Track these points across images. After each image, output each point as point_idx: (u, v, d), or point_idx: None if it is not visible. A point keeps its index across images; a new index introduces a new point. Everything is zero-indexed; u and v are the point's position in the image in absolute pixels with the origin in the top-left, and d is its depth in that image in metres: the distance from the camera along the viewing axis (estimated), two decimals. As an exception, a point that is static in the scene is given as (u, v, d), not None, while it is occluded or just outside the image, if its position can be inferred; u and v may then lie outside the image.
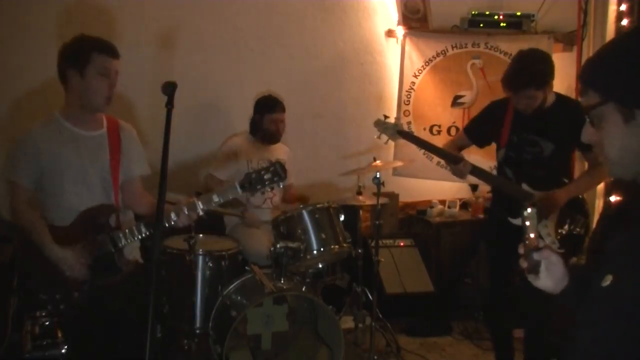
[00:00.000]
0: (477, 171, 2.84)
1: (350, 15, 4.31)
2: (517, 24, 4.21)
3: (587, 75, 1.23)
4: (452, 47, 4.27)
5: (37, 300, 2.14)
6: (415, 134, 4.30)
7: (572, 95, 4.07)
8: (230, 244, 3.21)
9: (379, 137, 3.07)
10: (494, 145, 3.00)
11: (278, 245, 2.96)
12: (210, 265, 3.06)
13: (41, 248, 2.19)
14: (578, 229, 2.82)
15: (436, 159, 4.28)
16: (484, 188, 4.29)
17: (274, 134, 3.63)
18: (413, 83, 4.35)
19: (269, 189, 2.24)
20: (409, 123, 4.36)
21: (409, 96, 4.37)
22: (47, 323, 2.04)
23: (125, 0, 3.70)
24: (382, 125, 3.03)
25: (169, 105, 1.95)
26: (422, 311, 3.93)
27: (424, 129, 4.37)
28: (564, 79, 4.18)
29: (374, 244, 3.50)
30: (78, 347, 2.04)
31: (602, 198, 3.95)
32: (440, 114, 4.37)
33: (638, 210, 2.50)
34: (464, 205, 4.54)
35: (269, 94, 3.72)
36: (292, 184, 3.80)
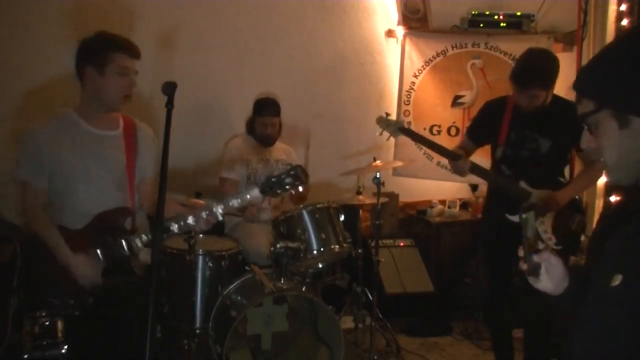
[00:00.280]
0: (476, 169, 2.86)
1: (350, 15, 4.31)
2: (517, 24, 4.21)
3: (581, 83, 1.24)
4: (452, 47, 4.27)
5: (49, 305, 2.07)
6: (416, 133, 4.31)
7: (572, 95, 4.07)
8: (230, 244, 3.21)
9: (380, 134, 3.08)
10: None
11: (278, 245, 2.96)
12: (210, 265, 3.06)
13: (54, 252, 2.11)
14: (575, 227, 2.84)
15: (436, 159, 4.29)
16: (484, 188, 4.26)
17: (265, 137, 3.63)
18: (413, 83, 4.35)
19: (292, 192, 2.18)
20: (409, 123, 4.36)
21: (409, 96, 4.37)
22: (47, 323, 2.04)
23: (125, 0, 3.70)
24: (384, 122, 3.05)
25: (169, 105, 1.94)
26: (422, 311, 3.93)
27: (424, 129, 4.36)
28: (564, 79, 4.16)
29: (374, 244, 3.50)
30: (79, 347, 2.04)
31: (602, 198, 3.95)
32: (440, 114, 4.37)
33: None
34: (464, 205, 4.54)
35: (266, 96, 3.71)
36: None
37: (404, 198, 4.47)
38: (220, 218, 2.13)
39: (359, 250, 3.49)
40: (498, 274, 3.02)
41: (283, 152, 3.76)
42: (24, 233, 2.29)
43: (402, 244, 4.20)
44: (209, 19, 3.93)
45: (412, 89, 4.36)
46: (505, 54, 4.16)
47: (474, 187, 4.43)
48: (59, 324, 1.99)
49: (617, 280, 1.14)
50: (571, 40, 4.20)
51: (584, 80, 1.24)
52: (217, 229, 3.52)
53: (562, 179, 2.93)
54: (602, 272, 1.19)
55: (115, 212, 2.19)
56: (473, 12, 4.25)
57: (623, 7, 3.80)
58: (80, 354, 2.05)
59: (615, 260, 1.20)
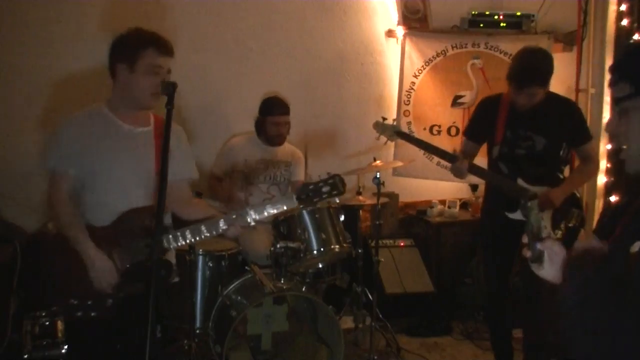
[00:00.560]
0: (475, 169, 2.87)
1: (350, 15, 4.31)
2: (517, 24, 4.21)
3: (621, 66, 1.21)
4: (452, 47, 4.27)
5: (66, 307, 2.01)
6: (415, 134, 4.31)
7: (572, 95, 4.08)
8: (230, 244, 3.21)
9: (377, 139, 3.10)
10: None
11: (278, 245, 2.96)
12: (210, 265, 3.07)
13: (75, 246, 2.04)
14: (573, 222, 2.86)
15: (436, 158, 4.29)
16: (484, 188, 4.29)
17: (276, 137, 3.63)
18: (413, 83, 4.35)
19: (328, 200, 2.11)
20: (409, 123, 4.36)
21: (409, 96, 4.36)
22: (47, 323, 2.03)
23: (125, 1, 3.70)
24: (380, 126, 3.07)
25: (169, 105, 1.94)
26: (422, 311, 3.93)
27: (424, 129, 4.36)
28: (564, 79, 4.19)
29: (374, 244, 3.51)
30: (80, 348, 2.03)
31: (602, 198, 3.95)
32: (440, 114, 4.37)
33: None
34: (464, 205, 4.53)
35: (274, 96, 3.71)
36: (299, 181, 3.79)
37: (404, 198, 4.47)
38: (253, 224, 2.06)
39: (359, 250, 3.49)
40: (498, 275, 3.02)
41: (290, 154, 3.76)
42: (48, 232, 2.22)
43: (402, 244, 4.20)
44: (209, 19, 3.93)
45: (412, 89, 4.36)
46: (505, 54, 4.16)
47: (474, 187, 4.43)
48: (59, 324, 1.98)
49: (637, 247, 1.13)
50: (571, 40, 4.20)
51: (624, 63, 1.22)
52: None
53: (560, 176, 2.94)
54: (621, 244, 1.18)
55: (144, 210, 2.12)
56: (473, 12, 4.24)
57: (623, 7, 3.80)
58: (81, 355, 2.05)
59: (632, 229, 1.18)
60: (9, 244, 2.96)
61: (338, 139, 4.39)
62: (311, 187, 2.02)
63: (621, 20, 3.82)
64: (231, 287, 3.01)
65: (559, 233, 2.79)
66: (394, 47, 4.40)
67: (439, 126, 4.38)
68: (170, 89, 1.99)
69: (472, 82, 4.27)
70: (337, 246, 3.15)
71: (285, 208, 2.04)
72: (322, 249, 3.11)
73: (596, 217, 3.81)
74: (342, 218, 3.23)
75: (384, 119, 3.09)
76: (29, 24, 3.52)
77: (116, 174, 2.12)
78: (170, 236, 2.08)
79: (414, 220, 4.47)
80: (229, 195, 3.35)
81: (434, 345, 3.71)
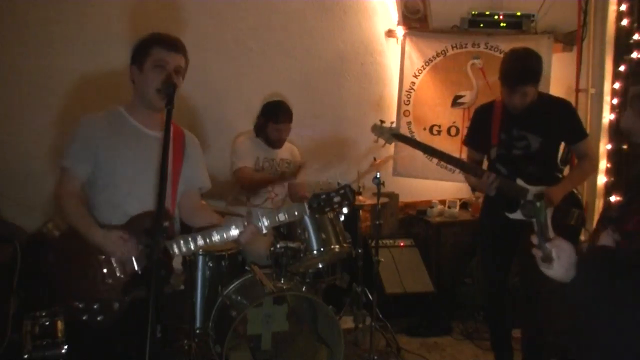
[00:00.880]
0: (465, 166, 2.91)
1: (350, 15, 4.31)
2: (517, 24, 4.21)
3: None
4: (452, 47, 4.27)
5: (72, 309, 2.00)
6: (415, 134, 4.32)
7: (572, 95, 4.08)
8: (230, 244, 3.19)
9: (376, 141, 3.11)
10: None
11: (278, 245, 2.96)
12: (210, 265, 3.06)
13: (85, 235, 2.01)
14: (573, 222, 2.87)
15: (436, 159, 4.29)
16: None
17: (276, 141, 3.62)
18: (413, 83, 4.35)
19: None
20: (408, 123, 4.36)
21: (409, 96, 4.36)
22: (47, 323, 2.03)
23: (125, 1, 3.71)
24: (378, 129, 3.09)
25: (169, 105, 1.94)
26: (422, 311, 3.93)
27: (424, 129, 4.37)
28: (564, 79, 4.19)
29: (374, 244, 3.51)
30: (80, 348, 2.03)
31: (602, 198, 3.95)
32: (440, 114, 4.37)
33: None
34: (464, 205, 4.53)
35: (280, 101, 3.68)
36: (299, 183, 3.79)
37: (404, 198, 4.47)
38: (265, 231, 2.09)
39: (359, 250, 3.49)
40: (497, 275, 3.02)
41: (288, 151, 3.76)
42: (48, 232, 2.21)
43: (402, 244, 4.20)
44: (209, 19, 3.93)
45: (412, 89, 4.36)
46: (505, 54, 4.15)
47: (474, 187, 4.43)
48: (59, 324, 1.98)
49: None
50: (571, 40, 4.20)
51: None
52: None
53: (559, 175, 2.95)
54: (637, 238, 1.19)
55: (153, 214, 2.06)
56: (473, 12, 4.24)
57: (623, 7, 3.80)
58: (81, 355, 2.05)
59: None
60: (9, 244, 2.96)
61: (338, 138, 4.39)
62: (323, 196, 2.07)
63: (621, 20, 3.82)
64: (231, 287, 3.01)
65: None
66: (394, 47, 4.40)
67: (439, 126, 4.38)
68: (170, 89, 1.99)
69: (472, 82, 4.27)
70: (337, 246, 3.15)
71: (296, 215, 2.08)
72: (322, 249, 3.11)
73: (596, 217, 3.81)
74: (342, 218, 3.23)
75: (382, 121, 3.10)
76: (29, 24, 3.52)
77: (131, 177, 2.11)
78: (182, 241, 2.07)
79: (414, 220, 4.47)
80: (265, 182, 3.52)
81: (434, 345, 3.71)
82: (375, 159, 3.44)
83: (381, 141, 3.09)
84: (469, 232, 4.16)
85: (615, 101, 3.87)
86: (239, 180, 3.56)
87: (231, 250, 3.13)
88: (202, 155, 2.40)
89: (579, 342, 1.31)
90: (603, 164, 3.89)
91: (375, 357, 3.31)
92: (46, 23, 3.55)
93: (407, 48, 4.31)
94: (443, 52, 4.28)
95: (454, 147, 4.07)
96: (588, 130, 3.30)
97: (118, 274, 2.05)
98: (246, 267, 3.14)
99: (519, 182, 2.83)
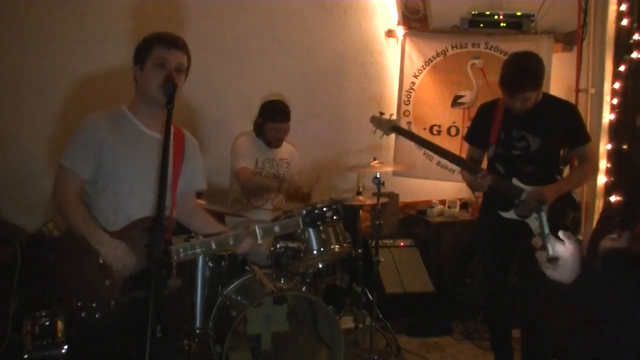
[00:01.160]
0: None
1: (350, 15, 4.31)
2: (517, 24, 4.21)
3: None
4: (452, 47, 4.27)
5: (70, 308, 2.01)
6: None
7: (572, 95, 4.08)
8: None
9: (374, 132, 3.10)
10: None
11: (278, 245, 2.96)
12: (210, 265, 3.06)
13: (85, 237, 2.01)
14: (568, 223, 2.86)
15: (436, 158, 4.29)
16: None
17: (274, 141, 3.61)
18: (413, 83, 4.35)
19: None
20: (408, 123, 4.36)
21: (408, 96, 4.36)
22: (47, 323, 2.03)
23: (126, 1, 3.71)
24: (377, 121, 3.08)
25: (169, 105, 1.94)
26: (422, 311, 3.93)
27: (424, 129, 4.36)
28: (564, 79, 4.19)
29: (374, 244, 3.51)
30: (80, 348, 2.03)
31: (602, 198, 3.95)
32: (440, 114, 4.37)
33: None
34: (464, 205, 4.53)
35: (277, 100, 3.67)
36: (297, 182, 3.78)
37: (404, 198, 4.47)
38: (260, 242, 2.20)
39: (359, 250, 3.48)
40: (497, 275, 3.02)
41: (287, 151, 3.75)
42: (48, 232, 2.21)
43: (402, 244, 4.20)
44: (209, 19, 3.93)
45: (412, 89, 4.36)
46: (506, 54, 4.15)
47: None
48: (59, 324, 1.98)
49: None
50: (571, 40, 4.20)
51: None
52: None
53: (557, 177, 2.95)
54: None
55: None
56: (473, 12, 4.24)
57: (623, 7, 3.80)
58: (81, 355, 2.05)
59: None
60: (9, 244, 2.96)
61: (338, 139, 4.40)
62: (316, 212, 2.23)
63: (621, 20, 3.81)
64: (231, 287, 3.01)
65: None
66: (394, 47, 4.40)
67: (439, 126, 4.38)
68: (170, 88, 1.99)
69: (472, 82, 4.27)
70: (337, 246, 3.16)
71: (292, 230, 2.27)
72: (322, 249, 3.11)
73: (596, 217, 3.81)
74: (342, 218, 3.23)
75: (382, 113, 3.10)
76: (29, 24, 3.52)
77: (132, 178, 2.11)
78: (181, 250, 2.10)
79: (414, 220, 4.47)
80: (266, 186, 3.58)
81: (434, 345, 3.71)
82: (375, 159, 3.43)
83: (379, 133, 3.09)
84: (469, 232, 4.16)
85: (615, 101, 3.87)
86: (239, 181, 3.56)
87: (231, 250, 3.13)
88: (201, 156, 2.40)
89: (579, 342, 1.31)
90: (603, 164, 3.89)
91: (375, 357, 3.31)
92: (46, 23, 3.55)
93: (407, 48, 4.31)
94: (443, 52, 4.28)
95: (454, 147, 4.06)
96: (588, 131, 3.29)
97: (116, 275, 2.05)
98: (246, 267, 3.14)
99: (515, 181, 2.83)
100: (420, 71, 4.33)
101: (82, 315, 1.98)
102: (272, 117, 3.55)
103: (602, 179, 3.93)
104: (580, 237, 3.09)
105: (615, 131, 3.84)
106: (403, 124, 4.30)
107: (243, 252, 2.24)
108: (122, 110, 2.18)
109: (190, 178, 2.30)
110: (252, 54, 4.09)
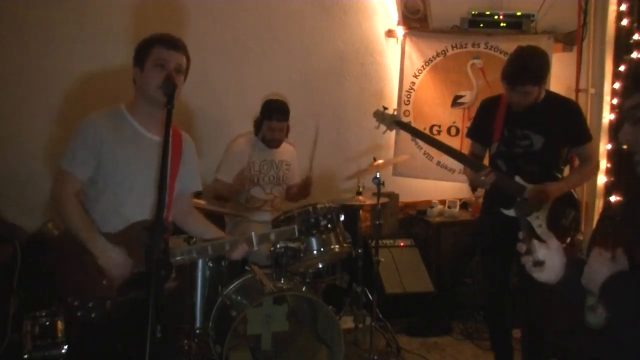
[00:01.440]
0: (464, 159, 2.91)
1: (350, 15, 4.31)
2: (517, 24, 4.20)
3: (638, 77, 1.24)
4: (452, 47, 4.27)
5: (67, 306, 2.00)
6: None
7: (572, 95, 4.08)
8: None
9: (377, 127, 3.10)
10: None
11: (278, 245, 2.96)
12: (210, 265, 3.06)
13: (84, 240, 2.02)
14: (568, 223, 2.86)
15: (436, 158, 4.29)
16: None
17: (271, 140, 3.60)
18: (413, 83, 4.35)
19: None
20: (409, 123, 4.35)
21: (409, 96, 4.36)
22: (47, 323, 2.03)
23: (126, 1, 3.71)
24: (380, 115, 3.08)
25: (169, 105, 1.94)
26: (422, 311, 3.93)
27: (424, 129, 4.35)
28: (564, 79, 4.19)
29: (374, 244, 3.51)
30: (80, 348, 2.02)
31: (602, 198, 3.95)
32: (440, 114, 4.37)
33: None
34: (464, 205, 4.53)
35: (276, 99, 3.66)
36: (297, 184, 3.78)
37: (404, 198, 4.47)
38: (256, 249, 2.26)
39: (359, 250, 3.48)
40: (497, 275, 3.02)
41: (287, 153, 3.75)
42: (48, 232, 2.22)
43: (402, 244, 4.20)
44: (209, 19, 3.93)
45: (412, 89, 4.36)
46: (506, 54, 4.15)
47: (474, 187, 4.43)
48: (59, 324, 1.98)
49: None
50: (571, 40, 4.20)
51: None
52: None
53: (559, 175, 2.94)
54: None
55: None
56: (473, 12, 4.24)
57: (623, 7, 3.80)
58: (81, 355, 2.04)
59: None
60: (9, 244, 2.96)
61: (338, 139, 4.40)
62: (312, 220, 2.31)
63: (621, 20, 3.82)
64: (231, 287, 3.01)
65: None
66: (394, 47, 4.40)
67: (439, 126, 4.38)
68: (170, 88, 1.99)
69: (472, 82, 4.27)
70: (337, 246, 3.15)
71: (286, 237, 2.38)
72: (322, 249, 3.11)
73: (596, 217, 3.81)
74: (342, 218, 3.23)
75: (385, 108, 3.10)
76: (29, 24, 3.52)
77: (130, 179, 2.12)
78: (178, 253, 2.13)
79: (414, 220, 4.47)
80: (236, 193, 3.57)
81: (434, 345, 3.71)
82: (375, 159, 3.43)
83: (382, 128, 3.08)
84: (469, 232, 4.16)
85: (615, 101, 3.87)
86: (213, 187, 3.59)
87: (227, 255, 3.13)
88: (197, 158, 2.41)
89: (579, 342, 1.31)
90: (603, 164, 3.89)
91: (375, 357, 3.31)
92: (46, 23, 3.55)
93: (407, 48, 4.31)
94: (443, 52, 4.28)
95: (454, 147, 4.06)
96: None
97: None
98: (246, 267, 3.14)
99: (517, 179, 2.83)
100: (420, 71, 4.33)
101: (79, 314, 1.98)
102: (269, 115, 3.54)
103: (602, 179, 3.93)
104: (580, 237, 3.08)
105: (615, 131, 3.84)
106: (403, 124, 4.30)
107: (237, 258, 2.27)
108: (121, 110, 2.18)
109: (187, 179, 2.31)
110: (252, 54, 4.09)
